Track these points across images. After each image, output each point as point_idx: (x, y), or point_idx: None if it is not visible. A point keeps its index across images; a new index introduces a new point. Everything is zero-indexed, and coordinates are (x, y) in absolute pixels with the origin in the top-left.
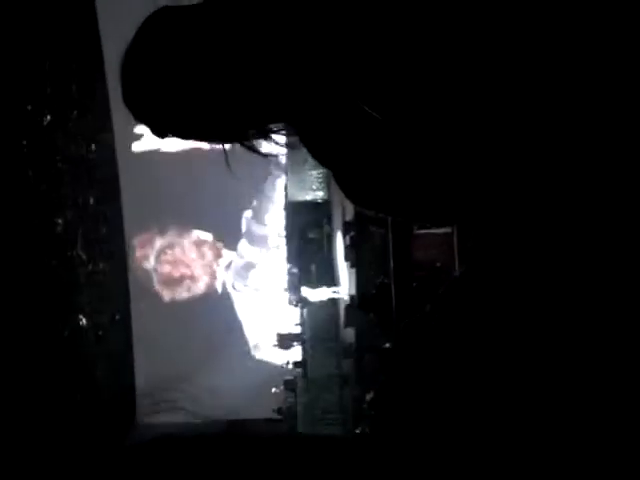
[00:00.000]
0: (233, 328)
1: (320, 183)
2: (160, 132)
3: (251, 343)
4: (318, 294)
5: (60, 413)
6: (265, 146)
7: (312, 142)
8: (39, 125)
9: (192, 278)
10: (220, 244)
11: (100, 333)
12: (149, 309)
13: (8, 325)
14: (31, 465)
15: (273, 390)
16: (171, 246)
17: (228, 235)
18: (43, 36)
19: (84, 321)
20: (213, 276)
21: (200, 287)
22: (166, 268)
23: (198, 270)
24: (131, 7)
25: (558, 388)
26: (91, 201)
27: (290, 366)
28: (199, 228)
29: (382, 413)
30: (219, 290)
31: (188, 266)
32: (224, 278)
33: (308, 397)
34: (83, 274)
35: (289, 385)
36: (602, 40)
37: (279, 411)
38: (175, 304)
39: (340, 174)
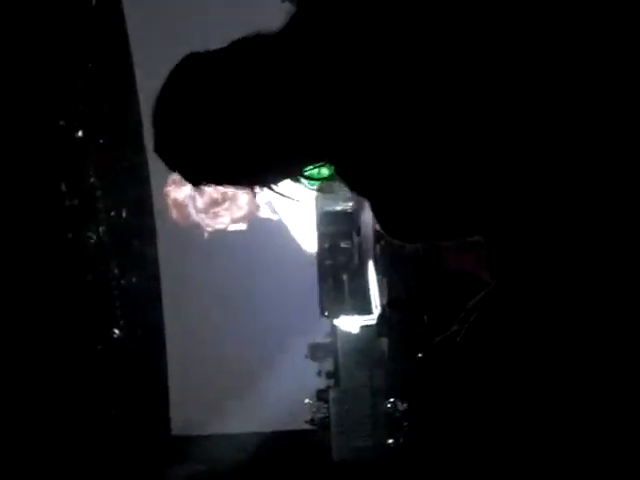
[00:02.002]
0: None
1: (350, 193)
2: (194, 181)
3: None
4: (351, 323)
5: (95, 428)
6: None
7: (350, 176)
8: (71, 140)
9: (233, 198)
10: None
11: (134, 346)
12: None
13: (43, 340)
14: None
15: (306, 401)
16: None
17: None
18: (75, 55)
19: (118, 334)
20: (253, 195)
21: (243, 207)
22: (206, 190)
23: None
24: (162, 30)
25: (596, 408)
26: (124, 215)
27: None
28: None
29: (416, 425)
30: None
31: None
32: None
33: (340, 407)
34: (116, 288)
35: (321, 396)
36: (602, 42)
37: (312, 422)
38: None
39: (379, 208)
